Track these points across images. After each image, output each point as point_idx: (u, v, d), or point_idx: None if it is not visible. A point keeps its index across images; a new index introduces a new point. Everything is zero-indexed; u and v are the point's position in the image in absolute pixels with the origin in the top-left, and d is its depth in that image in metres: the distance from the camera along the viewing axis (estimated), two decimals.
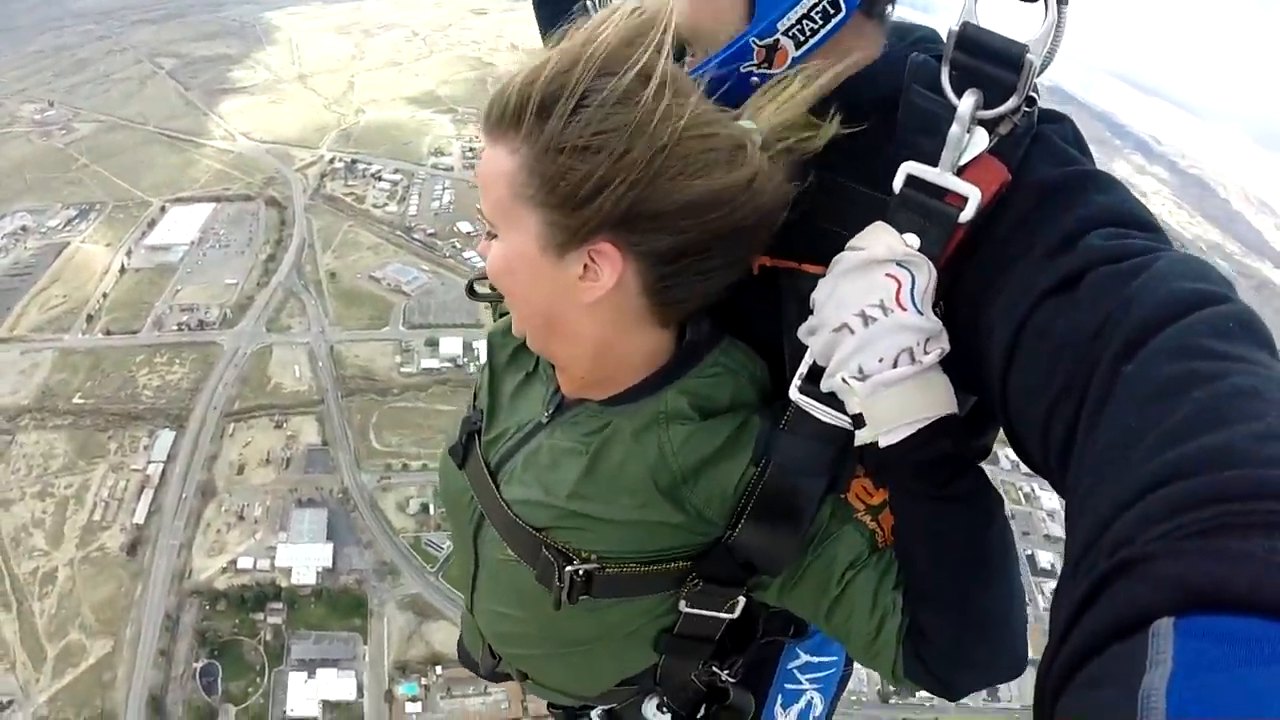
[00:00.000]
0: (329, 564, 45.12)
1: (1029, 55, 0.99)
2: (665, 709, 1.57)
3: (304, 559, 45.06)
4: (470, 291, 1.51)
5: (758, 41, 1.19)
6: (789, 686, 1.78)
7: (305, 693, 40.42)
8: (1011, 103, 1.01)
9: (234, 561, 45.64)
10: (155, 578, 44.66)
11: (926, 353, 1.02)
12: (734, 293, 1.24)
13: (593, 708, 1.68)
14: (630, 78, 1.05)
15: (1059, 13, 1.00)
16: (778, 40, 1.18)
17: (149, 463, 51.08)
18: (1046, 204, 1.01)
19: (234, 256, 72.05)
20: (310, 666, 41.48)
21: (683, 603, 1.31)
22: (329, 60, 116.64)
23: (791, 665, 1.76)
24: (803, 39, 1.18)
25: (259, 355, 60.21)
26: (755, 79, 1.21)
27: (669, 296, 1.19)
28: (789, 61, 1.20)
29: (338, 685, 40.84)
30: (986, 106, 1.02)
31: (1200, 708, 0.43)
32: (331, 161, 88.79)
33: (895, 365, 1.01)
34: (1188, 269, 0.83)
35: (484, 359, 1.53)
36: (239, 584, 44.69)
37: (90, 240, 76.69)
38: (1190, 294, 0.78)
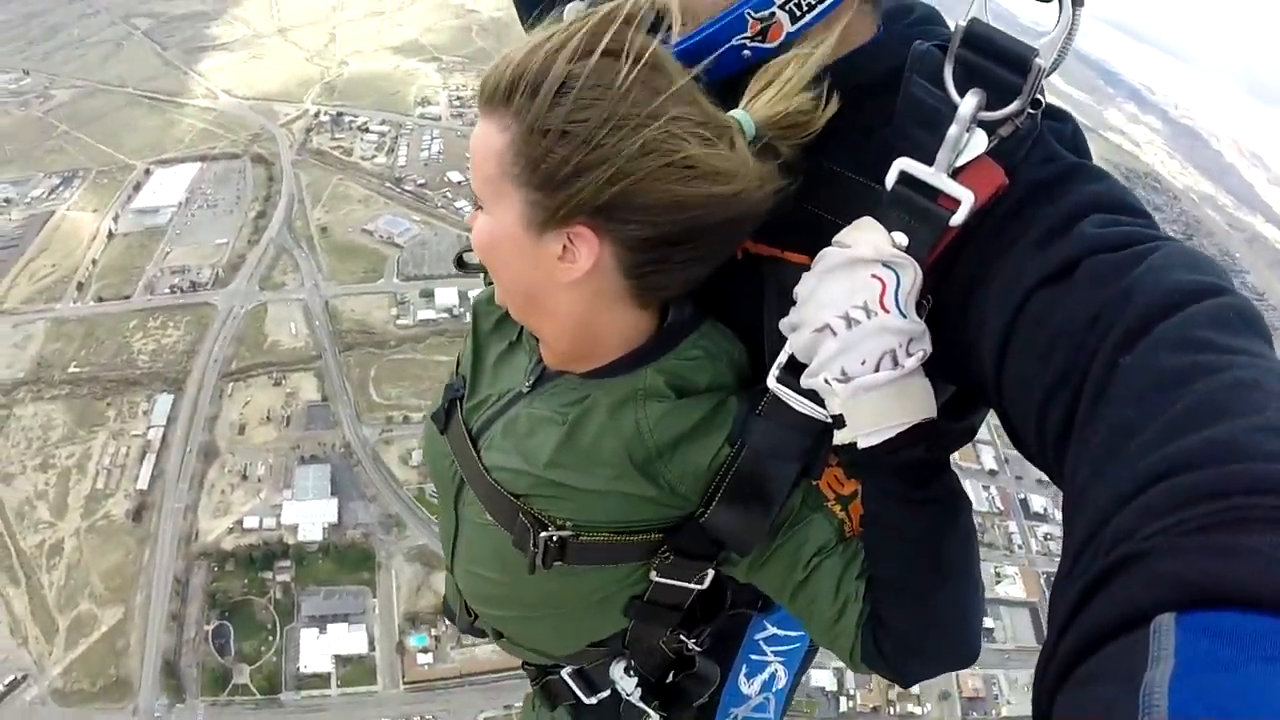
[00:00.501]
0: (334, 519, 44.86)
1: (1037, 60, 0.96)
2: (633, 672, 1.59)
3: (309, 516, 44.70)
4: (459, 263, 1.52)
5: (753, 14, 1.15)
6: (754, 658, 1.81)
7: (318, 648, 40.32)
8: (1015, 106, 0.99)
9: (240, 522, 45.15)
10: (162, 542, 44.13)
11: (909, 355, 1.01)
12: (717, 274, 1.23)
13: (563, 667, 1.69)
14: (611, 65, 1.05)
15: (1073, 14, 0.97)
16: (774, 13, 1.15)
17: (149, 428, 50.22)
18: (1037, 195, 1.00)
19: (223, 216, 70.25)
20: (321, 622, 41.32)
21: (654, 572, 1.33)
22: (309, 12, 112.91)
23: (758, 637, 1.77)
24: (799, 14, 1.14)
25: (254, 314, 58.97)
26: (747, 52, 1.17)
27: (648, 282, 1.20)
28: (783, 36, 1.16)
29: (349, 639, 40.75)
30: (989, 108, 0.99)
31: (1202, 706, 0.43)
32: (317, 115, 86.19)
33: (877, 369, 1.01)
34: (1186, 260, 0.82)
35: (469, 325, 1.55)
36: (246, 544, 44.21)
37: (76, 208, 74.82)
38: (1190, 285, 0.77)
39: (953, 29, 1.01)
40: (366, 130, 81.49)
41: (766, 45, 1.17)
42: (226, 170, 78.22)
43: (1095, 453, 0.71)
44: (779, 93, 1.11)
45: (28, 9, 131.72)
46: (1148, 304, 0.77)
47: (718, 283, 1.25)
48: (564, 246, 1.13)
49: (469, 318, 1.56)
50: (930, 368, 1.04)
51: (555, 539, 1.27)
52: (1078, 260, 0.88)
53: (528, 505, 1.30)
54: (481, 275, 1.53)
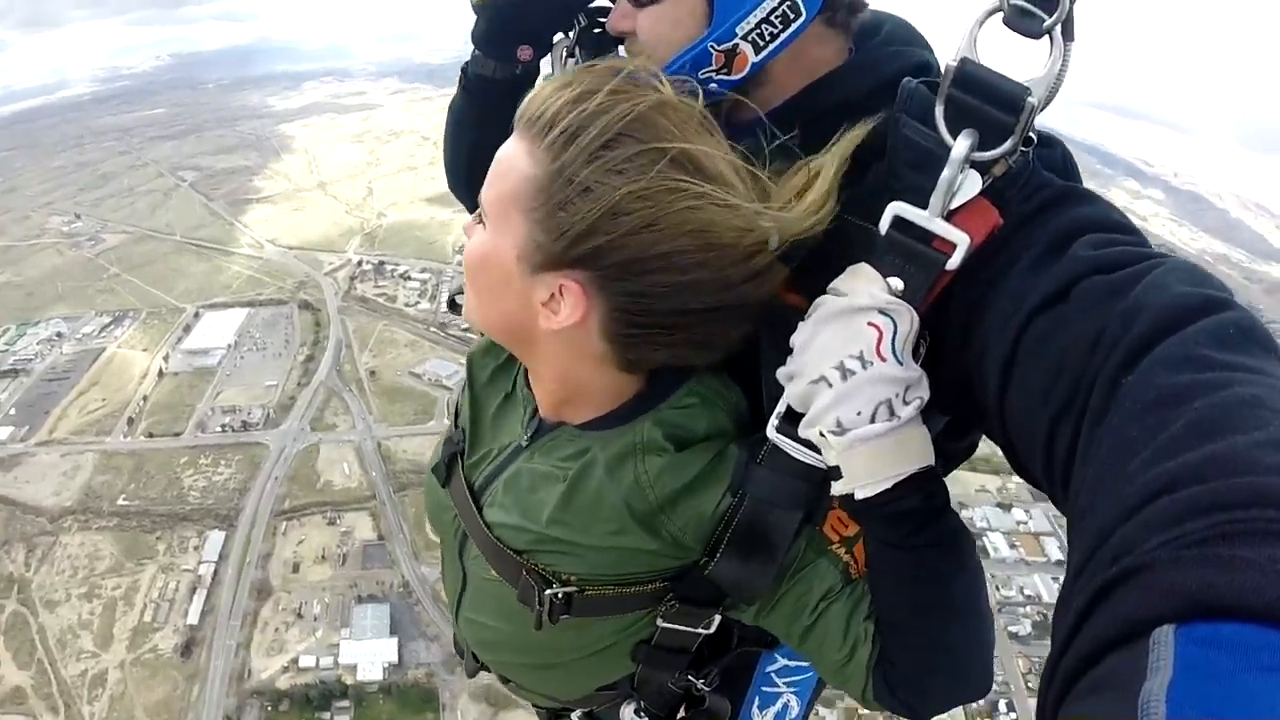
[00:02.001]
0: (395, 659, 44.85)
1: (1029, 99, 0.96)
2: (643, 713, 1.58)
3: (369, 655, 44.81)
4: (452, 305, 1.49)
5: (716, 46, 1.20)
6: (766, 689, 1.79)
7: None
8: (1008, 146, 0.98)
9: (295, 660, 45.36)
10: (212, 679, 44.29)
11: (906, 403, 1.00)
12: None
13: (573, 710, 1.72)
14: (656, 143, 1.04)
15: (1065, 50, 0.96)
16: (736, 45, 1.19)
17: (200, 563, 51.12)
18: (1028, 222, 1.00)
19: (272, 359, 73.87)
20: None
21: (660, 619, 1.32)
22: (346, 167, 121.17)
23: (770, 669, 1.77)
24: (762, 44, 1.19)
25: (306, 454, 61.13)
26: (713, 85, 1.21)
27: (631, 352, 1.20)
28: (749, 66, 1.21)
29: None
30: (982, 148, 0.99)
31: (1197, 710, 0.44)
32: (359, 264, 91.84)
33: (874, 419, 0.99)
34: (1184, 275, 0.82)
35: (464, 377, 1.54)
36: (302, 683, 44.32)
37: (126, 346, 78.39)
38: (1189, 301, 0.77)
39: (928, 47, 1.02)
40: (408, 278, 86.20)
41: (733, 77, 1.22)
42: (274, 315, 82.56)
43: (1098, 471, 0.71)
44: (809, 207, 1.09)
45: (81, 158, 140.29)
46: (1147, 323, 0.76)
47: None
48: (551, 295, 1.13)
49: (463, 371, 1.54)
50: (931, 402, 1.03)
51: (561, 595, 1.26)
52: (1074, 282, 0.88)
53: (531, 562, 1.30)
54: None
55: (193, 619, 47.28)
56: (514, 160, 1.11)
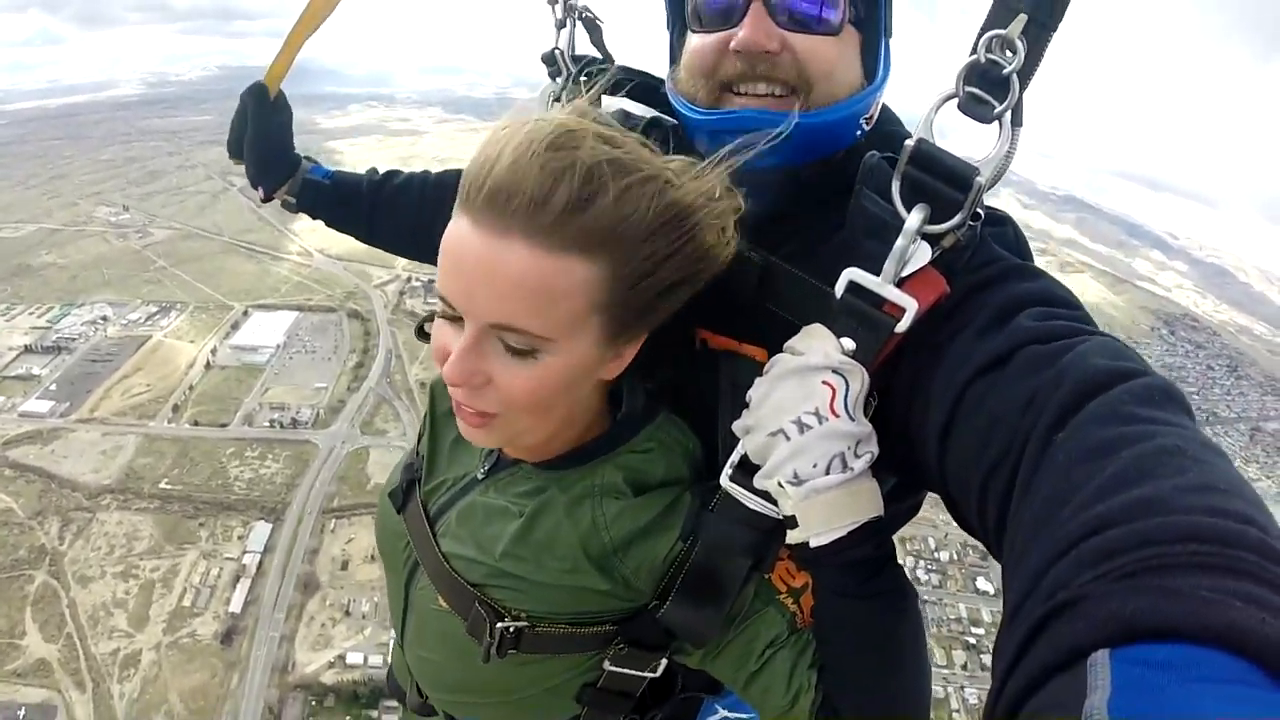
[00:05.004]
0: None
1: (978, 178, 1.03)
2: None
3: None
4: (420, 334, 1.38)
5: (878, 97, 1.28)
6: None
7: None
8: (956, 220, 1.04)
9: (342, 656, 44.71)
10: (254, 669, 43.58)
11: (858, 457, 1.04)
12: (674, 365, 1.32)
13: None
14: (676, 206, 1.06)
15: (1013, 136, 1.04)
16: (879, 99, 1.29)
17: (245, 552, 50.78)
18: (974, 295, 1.07)
19: (321, 362, 74.33)
20: None
21: (607, 661, 1.33)
22: None
23: (710, 719, 1.80)
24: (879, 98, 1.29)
25: (356, 456, 61.14)
26: (859, 132, 1.27)
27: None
28: (874, 122, 1.30)
29: None
30: (933, 221, 1.05)
31: (1139, 713, 0.48)
32: (409, 280, 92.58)
33: (828, 471, 1.03)
34: (1110, 349, 0.89)
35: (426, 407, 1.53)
36: (350, 679, 43.59)
37: (173, 335, 78.66)
38: (1115, 369, 0.83)
39: (902, 146, 1.06)
40: None
41: (867, 129, 1.29)
42: (323, 321, 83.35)
43: (1031, 520, 0.75)
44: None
45: (129, 153, 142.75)
46: (1076, 385, 0.82)
47: (674, 373, 1.32)
48: (619, 350, 1.16)
49: (427, 399, 1.52)
50: (878, 460, 1.07)
51: (511, 629, 1.25)
52: (1013, 350, 0.94)
53: (484, 594, 1.28)
54: None
55: (235, 607, 46.69)
56: (562, 278, 1.01)
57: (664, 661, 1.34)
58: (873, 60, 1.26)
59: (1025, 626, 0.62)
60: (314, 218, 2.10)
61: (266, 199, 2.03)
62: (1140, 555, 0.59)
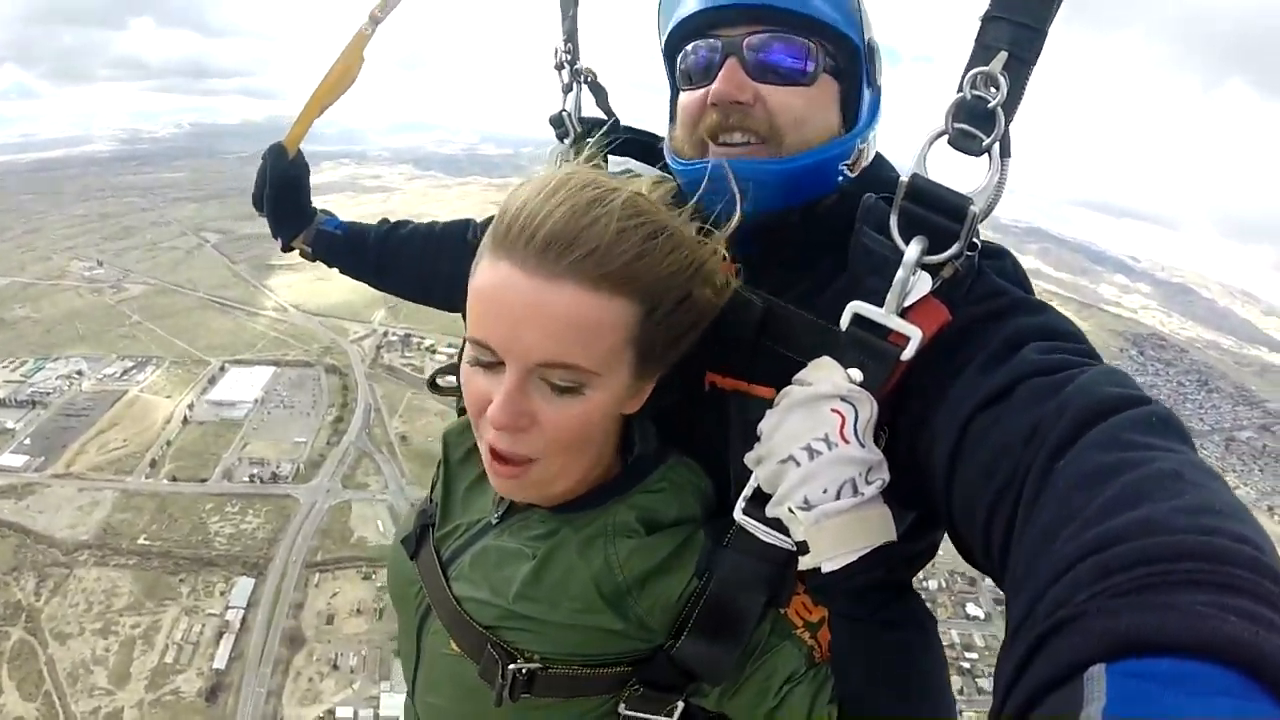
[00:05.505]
0: None
1: (972, 208, 1.05)
2: None
3: None
4: (432, 386, 1.42)
5: (860, 143, 1.30)
6: None
7: None
8: (954, 249, 1.06)
9: (331, 711, 44.72)
10: None
11: (869, 483, 1.04)
12: (684, 407, 1.32)
13: None
14: (682, 240, 1.12)
15: (1002, 166, 1.06)
16: (862, 146, 1.31)
17: (228, 608, 50.59)
18: (978, 328, 1.08)
19: (300, 416, 74.66)
20: None
21: (622, 705, 1.31)
22: None
23: None
24: (871, 147, 1.34)
25: (338, 510, 61.31)
26: (841, 178, 1.30)
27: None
28: (860, 169, 1.32)
29: None
30: (931, 252, 1.07)
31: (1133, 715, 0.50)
32: (385, 334, 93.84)
33: (839, 497, 1.03)
34: (1111, 378, 0.89)
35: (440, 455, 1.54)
36: None
37: (149, 390, 78.67)
38: (1116, 397, 0.84)
39: (897, 184, 1.09)
40: (435, 351, 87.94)
41: (852, 175, 1.30)
42: (300, 376, 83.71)
43: (1032, 546, 0.76)
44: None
45: (103, 209, 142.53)
46: (1077, 415, 0.83)
47: (685, 415, 1.32)
48: (641, 386, 1.19)
49: (440, 448, 1.54)
50: (890, 495, 1.07)
51: (524, 671, 1.24)
52: (1017, 383, 0.94)
53: (497, 636, 1.27)
54: (456, 399, 1.55)
55: (219, 663, 46.48)
56: (605, 314, 1.08)
57: (681, 705, 1.34)
58: (853, 109, 1.32)
59: (1024, 646, 0.63)
60: (329, 265, 2.25)
61: (285, 249, 2.20)
62: (1137, 573, 0.60)
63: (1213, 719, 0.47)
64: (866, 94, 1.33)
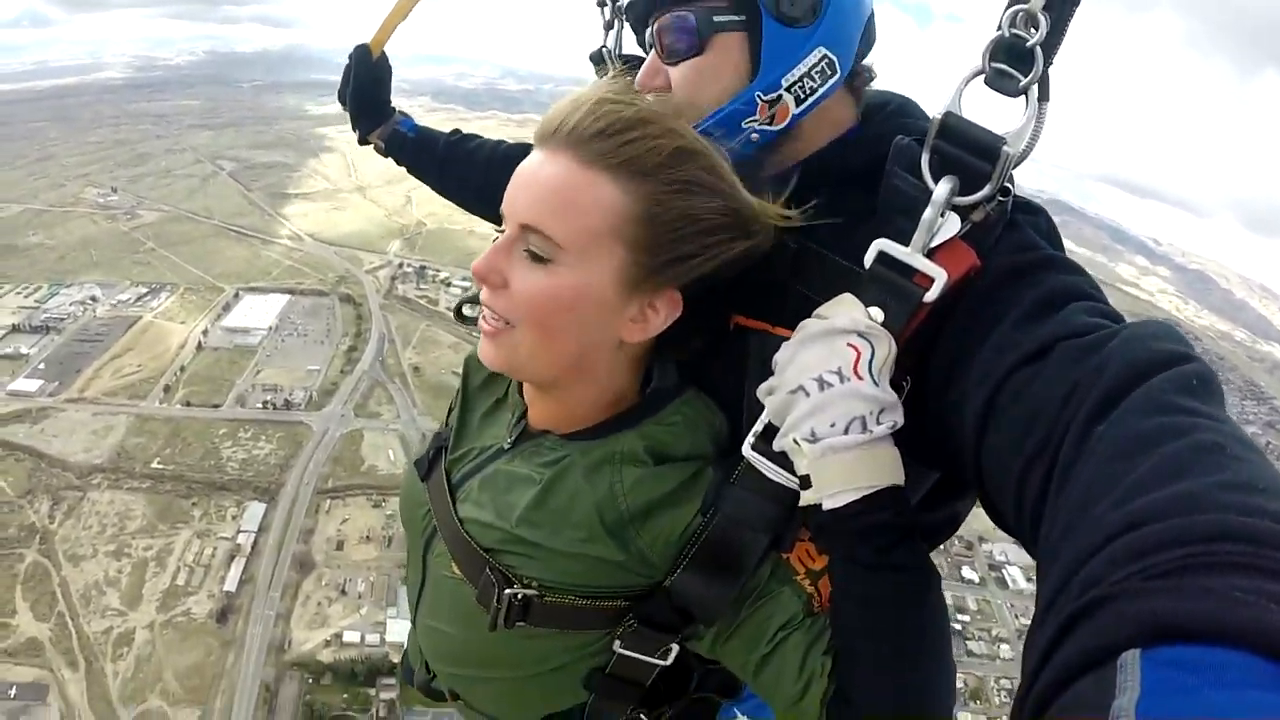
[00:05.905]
0: None
1: (1005, 148, 1.03)
2: None
3: None
4: (459, 316, 1.43)
5: (762, 96, 1.26)
6: None
7: None
8: (985, 191, 1.05)
9: (339, 635, 44.70)
10: (250, 647, 43.49)
11: (879, 423, 1.03)
12: (706, 347, 1.32)
13: None
14: (709, 162, 1.16)
15: (1039, 108, 1.04)
16: (780, 96, 1.26)
17: (239, 532, 50.63)
18: (1013, 280, 1.05)
19: (313, 345, 74.07)
20: None
21: (617, 643, 1.31)
22: (384, 174, 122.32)
23: None
24: (803, 96, 1.27)
25: (350, 438, 60.97)
26: (755, 135, 1.28)
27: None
28: (789, 118, 1.28)
29: None
30: (962, 193, 1.06)
31: (1168, 716, 0.47)
32: (400, 266, 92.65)
33: (846, 432, 1.03)
34: (1152, 330, 0.88)
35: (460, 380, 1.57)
36: (347, 658, 43.60)
37: (163, 316, 78.17)
38: (1155, 354, 0.82)
39: (930, 119, 1.09)
40: (450, 284, 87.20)
41: (774, 128, 1.28)
42: (315, 305, 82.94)
43: (1068, 514, 0.75)
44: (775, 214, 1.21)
45: (117, 136, 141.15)
46: (1117, 376, 0.82)
47: (706, 355, 1.32)
48: (642, 308, 1.19)
49: (458, 376, 1.56)
50: (909, 450, 1.07)
51: (520, 597, 1.25)
52: (1055, 343, 0.93)
53: (496, 560, 1.28)
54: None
55: (230, 586, 46.58)
56: (594, 191, 1.12)
57: (675, 648, 1.33)
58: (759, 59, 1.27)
59: (1056, 624, 0.62)
60: (398, 163, 2.41)
61: (362, 142, 2.38)
62: (1174, 554, 0.58)
63: (1253, 718, 0.45)
64: (775, 39, 1.27)
